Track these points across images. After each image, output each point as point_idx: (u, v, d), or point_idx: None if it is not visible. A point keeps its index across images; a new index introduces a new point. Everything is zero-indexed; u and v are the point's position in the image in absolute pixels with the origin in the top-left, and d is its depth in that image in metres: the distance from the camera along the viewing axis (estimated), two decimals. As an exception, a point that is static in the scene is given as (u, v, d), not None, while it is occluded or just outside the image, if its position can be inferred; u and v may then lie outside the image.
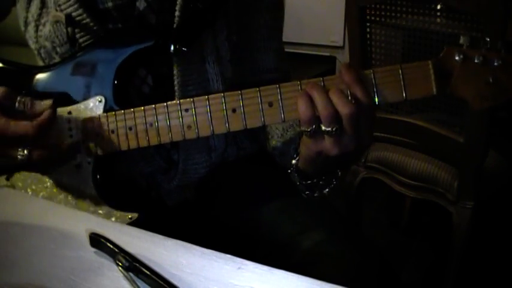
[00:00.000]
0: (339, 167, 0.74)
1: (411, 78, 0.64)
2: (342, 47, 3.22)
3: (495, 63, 0.61)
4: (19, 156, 0.72)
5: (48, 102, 0.74)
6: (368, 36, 1.52)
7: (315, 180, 0.75)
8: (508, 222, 1.96)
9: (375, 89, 0.65)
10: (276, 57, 0.92)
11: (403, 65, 0.64)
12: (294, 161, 0.75)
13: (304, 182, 0.76)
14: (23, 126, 0.71)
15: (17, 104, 0.73)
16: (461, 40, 0.64)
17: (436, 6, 1.40)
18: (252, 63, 0.90)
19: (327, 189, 0.76)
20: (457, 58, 0.63)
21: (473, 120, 1.33)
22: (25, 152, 0.72)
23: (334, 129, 0.64)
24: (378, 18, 1.49)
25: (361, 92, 0.64)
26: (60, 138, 0.78)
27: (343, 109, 0.63)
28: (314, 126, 0.65)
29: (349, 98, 0.63)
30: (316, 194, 0.77)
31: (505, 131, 1.68)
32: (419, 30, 1.44)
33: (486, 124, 1.33)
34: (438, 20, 1.42)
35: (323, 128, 0.64)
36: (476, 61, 0.62)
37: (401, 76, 0.64)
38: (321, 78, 0.66)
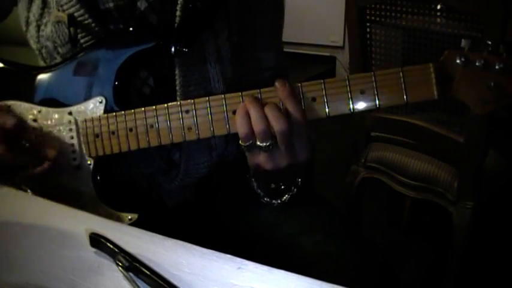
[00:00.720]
0: (282, 178, 0.76)
1: (412, 81, 0.63)
2: (342, 47, 3.23)
3: (496, 67, 0.61)
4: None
5: (52, 153, 0.77)
6: (368, 36, 1.52)
7: (273, 186, 0.76)
8: (508, 222, 1.96)
9: (375, 92, 0.65)
10: (275, 55, 0.92)
11: (404, 68, 0.64)
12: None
13: (262, 189, 0.77)
14: (19, 162, 0.75)
15: (23, 141, 0.77)
16: (463, 43, 0.63)
17: (436, 6, 1.40)
18: (252, 62, 0.91)
19: (287, 196, 0.78)
20: (458, 61, 0.63)
21: (473, 120, 1.33)
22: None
23: (267, 145, 0.66)
24: (378, 18, 1.49)
25: (292, 107, 0.65)
26: (60, 156, 0.79)
27: (276, 125, 0.65)
28: (251, 142, 0.67)
29: (282, 114, 0.65)
30: (275, 201, 0.78)
31: (505, 131, 1.68)
32: (419, 30, 1.44)
33: (486, 124, 1.33)
34: (438, 20, 1.42)
35: (257, 143, 0.66)
36: (477, 64, 0.62)
37: (402, 79, 0.64)
38: (258, 91, 0.68)
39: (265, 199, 0.78)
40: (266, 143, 0.66)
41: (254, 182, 0.77)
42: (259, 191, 0.78)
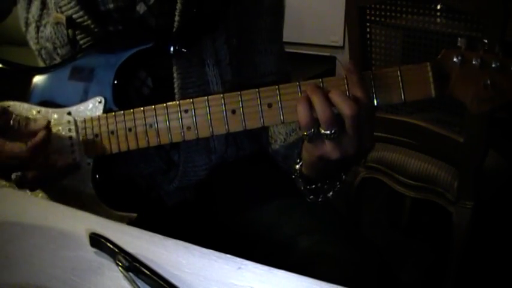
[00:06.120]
0: (341, 170, 0.73)
1: (410, 80, 0.64)
2: (342, 47, 3.22)
3: (493, 66, 0.61)
4: (13, 177, 0.73)
5: (43, 122, 0.75)
6: (368, 36, 1.52)
7: (319, 185, 0.74)
8: (508, 222, 1.97)
9: (373, 91, 0.65)
10: (276, 60, 0.92)
11: (401, 67, 0.64)
12: (297, 166, 0.74)
13: (308, 187, 0.75)
14: (17, 147, 0.72)
15: (11, 122, 0.74)
16: (459, 42, 0.63)
17: (436, 6, 1.40)
18: (252, 66, 0.90)
19: (331, 193, 0.76)
20: (455, 60, 0.63)
21: (473, 120, 1.33)
22: (18, 173, 0.73)
23: (333, 132, 0.63)
24: (378, 19, 1.49)
25: (362, 93, 0.63)
26: (59, 156, 0.79)
27: (345, 110, 0.62)
28: (313, 130, 0.64)
29: (350, 98, 0.63)
30: (320, 199, 0.76)
31: (505, 131, 1.68)
32: (419, 30, 1.45)
33: (486, 124, 1.33)
34: (438, 20, 1.42)
35: (322, 131, 0.63)
36: (474, 63, 0.62)
37: (399, 78, 0.64)
38: (320, 80, 0.66)
39: (310, 197, 0.76)
40: (331, 130, 0.63)
41: (301, 182, 0.75)
42: (304, 190, 0.76)
